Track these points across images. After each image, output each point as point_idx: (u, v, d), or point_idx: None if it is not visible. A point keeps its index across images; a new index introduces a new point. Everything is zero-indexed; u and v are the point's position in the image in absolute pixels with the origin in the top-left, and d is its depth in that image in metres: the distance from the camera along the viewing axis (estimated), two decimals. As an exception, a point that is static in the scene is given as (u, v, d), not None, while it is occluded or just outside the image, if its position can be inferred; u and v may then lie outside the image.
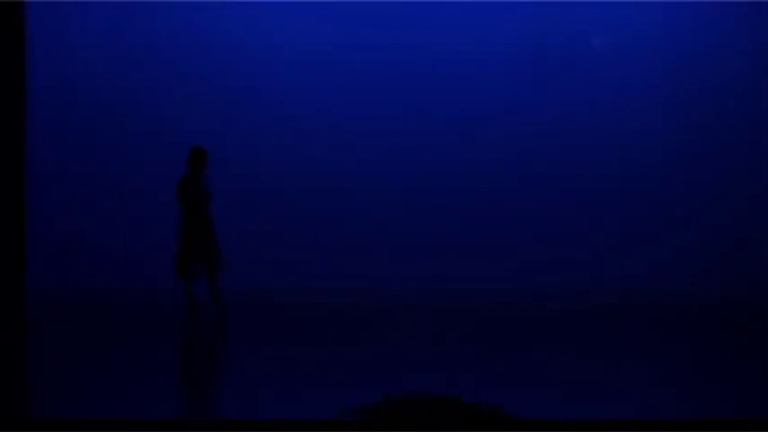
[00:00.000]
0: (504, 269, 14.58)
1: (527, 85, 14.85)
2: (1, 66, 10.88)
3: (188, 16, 14.79)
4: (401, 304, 13.77)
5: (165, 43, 14.80)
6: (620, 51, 14.79)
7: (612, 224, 14.80)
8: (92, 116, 14.75)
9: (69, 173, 14.73)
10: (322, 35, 14.89)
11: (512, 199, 14.84)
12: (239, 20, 14.88)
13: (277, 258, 14.64)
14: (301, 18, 14.87)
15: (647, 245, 14.74)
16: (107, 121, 14.77)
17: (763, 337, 12.04)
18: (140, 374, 9.76)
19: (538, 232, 14.80)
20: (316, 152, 14.85)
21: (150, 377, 9.65)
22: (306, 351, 10.97)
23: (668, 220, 14.78)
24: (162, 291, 13.53)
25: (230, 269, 12.64)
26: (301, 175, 14.80)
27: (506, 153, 14.86)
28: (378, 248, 14.74)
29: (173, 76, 14.79)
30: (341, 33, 14.90)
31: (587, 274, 14.50)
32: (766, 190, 14.61)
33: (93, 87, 14.73)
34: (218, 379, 10.34)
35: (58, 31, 14.67)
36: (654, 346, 11.50)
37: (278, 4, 14.83)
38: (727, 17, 14.71)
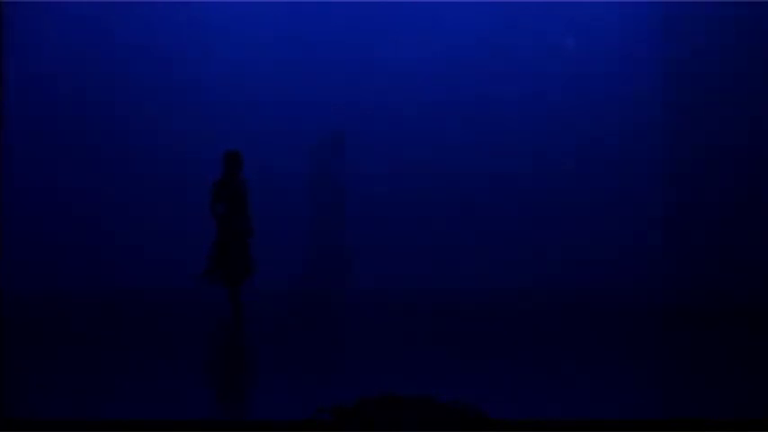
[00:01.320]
0: (482, 269, 14.61)
1: (511, 86, 14.86)
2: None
3: (170, 14, 14.76)
4: (375, 305, 13.75)
5: (146, 42, 14.78)
6: (603, 52, 14.77)
7: (595, 224, 14.77)
8: (69, 115, 14.72)
9: (45, 173, 14.68)
10: (310, 35, 14.86)
11: (489, 200, 14.84)
12: (224, 19, 14.82)
13: (272, 259, 14.58)
14: (286, 18, 14.82)
15: (631, 245, 14.70)
16: (85, 120, 14.74)
17: (747, 337, 12.00)
18: (131, 375, 9.67)
19: (516, 231, 14.79)
20: (304, 152, 14.81)
21: (141, 377, 9.56)
22: (296, 351, 10.89)
23: (649, 220, 14.70)
24: (146, 291, 13.54)
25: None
26: (282, 174, 14.73)
27: (481, 153, 14.88)
28: (360, 250, 14.69)
29: (154, 75, 14.76)
30: (329, 34, 14.89)
31: (566, 273, 14.53)
32: (741, 191, 14.50)
33: (71, 86, 14.71)
34: (205, 379, 10.26)
35: (34, 30, 14.63)
36: (632, 346, 11.48)
37: (260, 4, 14.79)
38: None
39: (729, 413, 8.09)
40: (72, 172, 14.71)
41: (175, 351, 11.29)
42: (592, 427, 7.40)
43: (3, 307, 13.19)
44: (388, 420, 3.11)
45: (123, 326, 12.52)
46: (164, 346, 11.42)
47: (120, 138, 14.73)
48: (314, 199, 14.72)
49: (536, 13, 14.77)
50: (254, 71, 14.86)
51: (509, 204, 14.81)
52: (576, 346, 11.30)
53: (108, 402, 8.50)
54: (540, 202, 14.82)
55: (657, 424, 7.67)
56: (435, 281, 14.52)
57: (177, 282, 13.19)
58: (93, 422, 7.67)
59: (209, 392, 9.62)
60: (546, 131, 14.81)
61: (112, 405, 8.41)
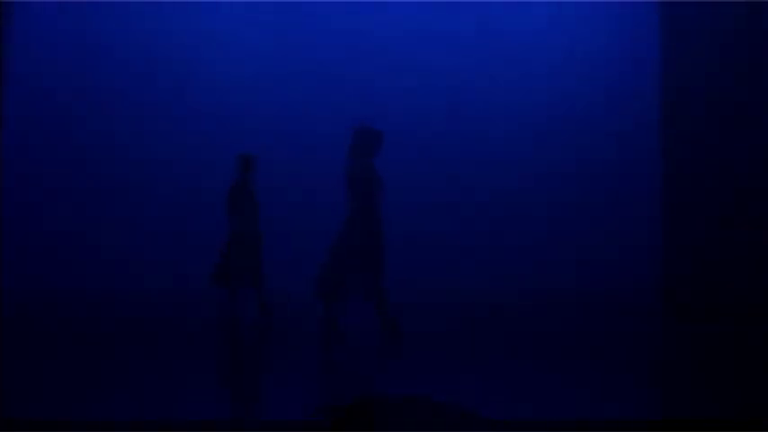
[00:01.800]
0: (481, 269, 14.60)
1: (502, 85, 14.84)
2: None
3: (171, 14, 14.73)
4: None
5: (143, 44, 14.75)
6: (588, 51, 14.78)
7: (595, 224, 14.75)
8: (70, 115, 14.71)
9: (45, 173, 14.67)
10: (301, 35, 14.85)
11: (488, 199, 14.83)
12: (219, 20, 14.79)
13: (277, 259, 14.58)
14: (278, 18, 14.81)
15: (631, 245, 14.68)
16: (86, 120, 14.73)
17: (747, 337, 11.98)
18: (131, 375, 9.64)
19: (516, 231, 14.78)
20: (298, 153, 14.79)
21: (141, 378, 9.53)
22: (297, 351, 10.88)
23: (649, 220, 14.67)
24: (146, 291, 13.50)
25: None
26: (273, 174, 14.72)
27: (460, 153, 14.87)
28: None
29: (155, 75, 14.73)
30: (320, 33, 14.89)
31: (566, 273, 14.52)
32: (741, 191, 14.47)
33: (71, 86, 14.70)
34: (205, 380, 10.23)
35: (34, 30, 14.62)
36: (632, 346, 11.46)
37: (250, 4, 14.79)
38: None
39: (729, 413, 8.06)
40: (72, 172, 14.70)
41: (175, 351, 11.27)
42: (592, 428, 7.38)
43: (3, 307, 13.17)
44: (387, 420, 3.11)
45: (123, 326, 12.50)
46: (163, 346, 11.40)
47: (121, 138, 14.71)
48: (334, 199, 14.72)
49: (536, 14, 14.76)
50: (256, 72, 14.84)
51: (508, 204, 14.79)
52: (576, 347, 11.27)
53: (108, 402, 8.47)
54: (540, 202, 14.80)
55: (657, 424, 7.65)
56: (434, 281, 14.50)
57: (177, 282, 13.19)
58: (93, 422, 7.65)
59: (209, 393, 9.60)
60: (546, 131, 14.79)
61: (112, 405, 8.38)
